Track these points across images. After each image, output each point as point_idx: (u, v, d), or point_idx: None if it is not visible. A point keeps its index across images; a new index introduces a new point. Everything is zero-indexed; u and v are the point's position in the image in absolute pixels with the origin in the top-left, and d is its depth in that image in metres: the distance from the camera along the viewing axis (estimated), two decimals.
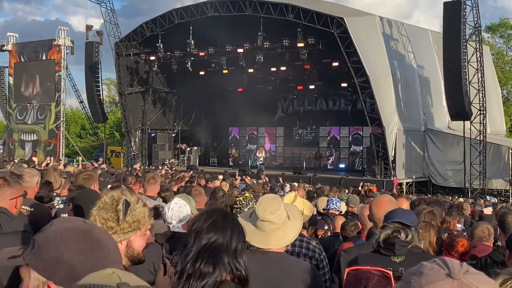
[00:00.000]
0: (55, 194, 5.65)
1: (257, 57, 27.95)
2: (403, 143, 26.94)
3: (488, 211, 11.72)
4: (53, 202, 5.22)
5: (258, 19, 26.89)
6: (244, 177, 20.39)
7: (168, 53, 30.73)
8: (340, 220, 5.90)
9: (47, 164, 13.94)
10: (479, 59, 25.68)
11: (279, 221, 2.83)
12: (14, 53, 39.91)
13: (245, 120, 34.12)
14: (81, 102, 40.76)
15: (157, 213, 4.16)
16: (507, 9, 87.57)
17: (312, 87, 31.56)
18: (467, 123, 25.70)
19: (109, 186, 6.27)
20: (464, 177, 25.87)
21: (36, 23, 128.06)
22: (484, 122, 26.09)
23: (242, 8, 27.41)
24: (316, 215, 6.79)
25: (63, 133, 38.39)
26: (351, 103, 32.34)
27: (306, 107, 34.87)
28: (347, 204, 7.68)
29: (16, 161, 21.25)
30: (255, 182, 16.88)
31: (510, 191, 26.45)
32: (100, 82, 37.17)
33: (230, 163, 33.50)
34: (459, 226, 7.39)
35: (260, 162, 31.89)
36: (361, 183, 22.22)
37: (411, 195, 21.69)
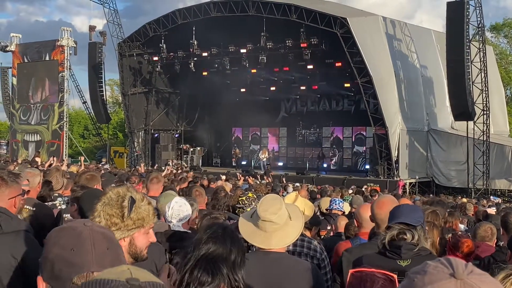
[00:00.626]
0: (57, 194, 5.64)
1: (260, 58, 27.91)
2: (406, 143, 26.87)
3: (491, 211, 11.67)
4: (54, 202, 5.22)
5: (261, 19, 26.85)
6: (247, 177, 20.35)
7: (171, 54, 30.72)
8: (343, 220, 5.88)
9: (50, 165, 13.94)
10: (482, 59, 25.61)
11: (280, 221, 2.82)
12: (17, 53, 39.95)
13: (248, 120, 34.13)
14: (84, 102, 40.79)
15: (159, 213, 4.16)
16: (510, 9, 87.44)
17: (315, 87, 31.52)
18: (471, 123, 25.66)
19: (112, 185, 6.26)
20: (468, 177, 25.79)
21: (39, 23, 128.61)
22: (488, 122, 26.01)
23: (245, 8, 27.40)
24: (319, 215, 6.78)
25: (66, 133, 38.43)
26: (354, 103, 32.32)
27: (309, 108, 34.85)
28: (351, 204, 7.68)
29: (19, 161, 21.33)
30: (258, 182, 16.85)
31: None
32: (103, 83, 37.25)
33: (233, 163, 33.49)
34: (462, 226, 7.37)
35: (266, 163, 31.86)
36: (365, 185, 22.14)
37: (414, 195, 21.66)
